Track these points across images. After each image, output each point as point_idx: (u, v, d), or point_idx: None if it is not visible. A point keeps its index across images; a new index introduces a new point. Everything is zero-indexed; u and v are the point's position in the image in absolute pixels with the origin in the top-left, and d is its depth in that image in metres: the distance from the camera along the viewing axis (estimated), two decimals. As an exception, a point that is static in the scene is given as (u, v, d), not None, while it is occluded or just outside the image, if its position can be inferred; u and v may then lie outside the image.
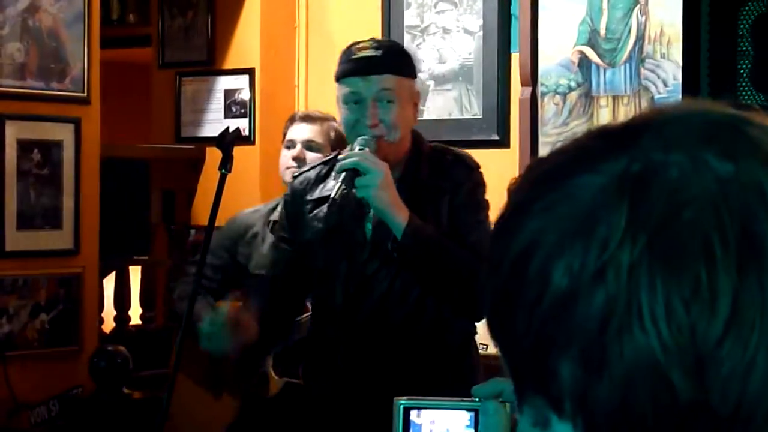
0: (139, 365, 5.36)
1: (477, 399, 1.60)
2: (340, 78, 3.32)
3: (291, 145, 4.27)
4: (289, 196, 3.50)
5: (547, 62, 5.03)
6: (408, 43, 5.50)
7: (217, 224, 3.56)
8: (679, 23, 4.71)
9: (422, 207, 3.22)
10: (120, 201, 6.25)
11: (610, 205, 0.79)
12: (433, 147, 3.39)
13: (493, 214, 0.91)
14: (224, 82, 5.97)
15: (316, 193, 3.39)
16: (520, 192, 0.86)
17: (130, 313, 6.15)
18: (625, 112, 4.85)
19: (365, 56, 3.27)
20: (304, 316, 3.80)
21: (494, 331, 0.87)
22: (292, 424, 3.46)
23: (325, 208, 3.32)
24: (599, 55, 4.93)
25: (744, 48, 4.64)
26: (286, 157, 4.26)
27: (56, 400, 5.22)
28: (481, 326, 3.63)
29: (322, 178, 3.41)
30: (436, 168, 3.32)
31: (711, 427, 0.77)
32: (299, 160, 4.14)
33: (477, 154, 5.28)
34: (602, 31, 4.93)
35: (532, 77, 5.05)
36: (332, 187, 3.28)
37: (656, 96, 4.78)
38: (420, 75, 5.49)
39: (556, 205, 0.82)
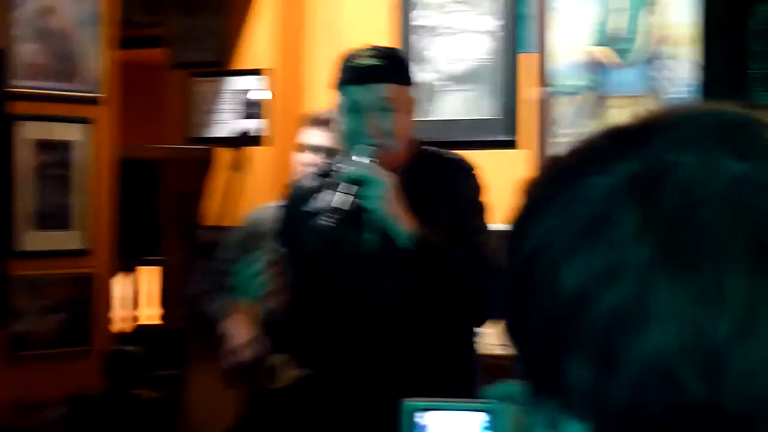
0: (152, 365, 5.36)
1: (488, 400, 1.60)
2: (339, 86, 3.31)
3: (304, 149, 4.26)
4: (286, 205, 3.49)
5: (559, 62, 5.02)
6: (419, 43, 5.50)
7: (229, 224, 3.56)
8: (691, 23, 4.71)
9: (422, 213, 3.21)
10: (132, 201, 6.26)
11: (621, 206, 0.79)
12: (430, 151, 3.38)
13: (505, 214, 0.91)
14: (237, 83, 5.97)
15: (315, 203, 3.38)
16: (531, 192, 0.87)
17: (142, 313, 6.16)
18: (637, 113, 4.83)
19: (364, 65, 3.26)
20: None
21: (508, 331, 0.87)
22: (300, 416, 3.46)
23: (324, 218, 3.32)
24: (612, 56, 4.93)
25: (757, 48, 4.63)
26: (300, 160, 4.26)
27: (69, 399, 5.23)
28: (494, 327, 3.63)
29: (319, 188, 3.40)
30: (434, 173, 3.31)
31: (723, 428, 0.77)
32: (312, 166, 4.14)
33: (488, 155, 5.30)
34: (615, 32, 4.92)
35: (544, 78, 5.05)
36: (331, 196, 3.29)
37: (668, 96, 4.77)
38: (432, 75, 5.50)
39: (567, 206, 0.82)
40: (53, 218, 5.23)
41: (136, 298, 6.14)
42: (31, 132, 5.16)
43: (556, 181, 0.85)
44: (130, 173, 6.06)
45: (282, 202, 3.55)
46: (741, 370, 0.77)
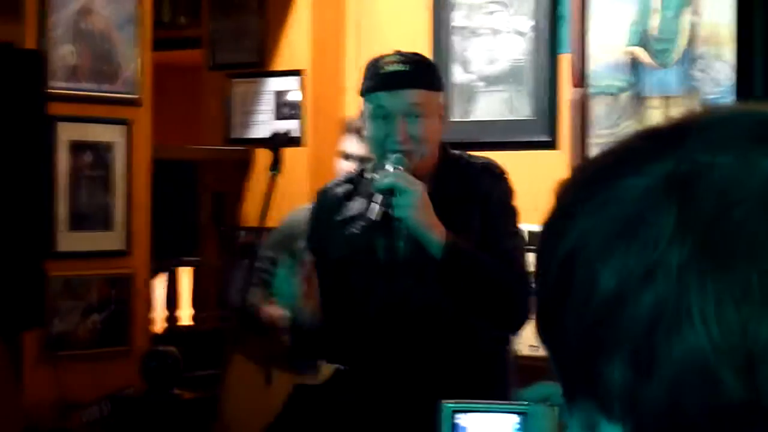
0: (190, 366, 5.38)
1: (525, 402, 1.60)
2: (366, 93, 3.30)
3: (346, 157, 4.26)
4: (316, 213, 3.48)
5: (597, 63, 5.01)
6: (458, 44, 5.50)
7: (267, 225, 3.56)
8: (731, 23, 4.68)
9: (453, 219, 3.20)
10: (170, 202, 6.29)
11: (658, 206, 0.79)
12: (459, 156, 3.37)
13: (542, 216, 0.90)
14: (274, 84, 5.99)
15: (345, 211, 3.37)
16: (567, 194, 0.86)
17: (181, 313, 6.18)
18: (677, 113, 4.81)
19: (392, 71, 3.24)
20: None
21: (543, 334, 0.87)
22: (341, 411, 3.46)
23: (355, 226, 3.30)
24: (650, 56, 4.91)
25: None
26: (341, 167, 4.27)
27: (107, 399, 5.25)
28: (532, 328, 3.62)
29: (349, 195, 3.39)
30: (464, 178, 3.30)
31: (762, 428, 0.77)
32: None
33: (527, 156, 5.29)
34: (653, 32, 4.90)
35: (582, 78, 5.03)
36: (361, 204, 3.28)
37: (707, 97, 4.74)
38: (469, 76, 5.49)
39: (604, 207, 0.81)
40: (92, 219, 5.26)
41: (175, 298, 6.16)
42: (69, 133, 5.19)
43: (591, 183, 0.84)
44: (169, 174, 6.09)
45: (312, 209, 3.54)
46: None
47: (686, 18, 4.82)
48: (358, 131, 4.28)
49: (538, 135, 5.27)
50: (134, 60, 5.37)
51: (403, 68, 3.23)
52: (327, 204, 3.42)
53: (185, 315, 6.20)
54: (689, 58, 4.81)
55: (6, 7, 5.12)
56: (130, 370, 5.22)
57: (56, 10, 5.13)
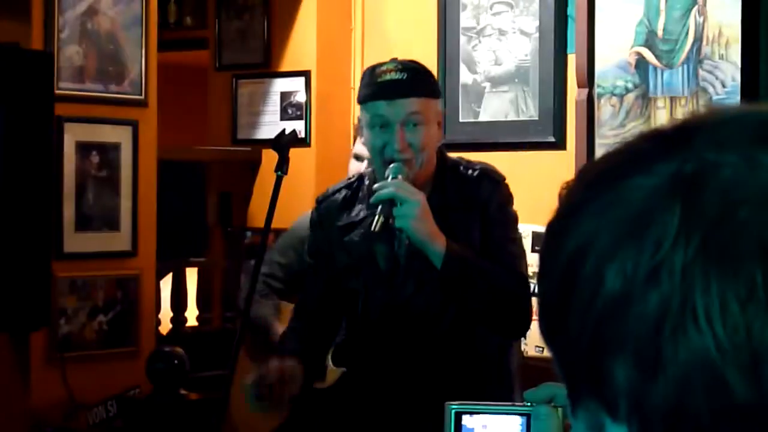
0: (196, 366, 5.38)
1: (529, 403, 1.60)
2: (364, 102, 3.29)
3: (357, 158, 4.26)
4: (316, 221, 3.48)
5: (603, 63, 5.00)
6: (464, 44, 5.50)
7: (273, 226, 3.56)
8: (738, 24, 4.67)
9: (453, 227, 3.20)
10: (177, 203, 6.30)
11: (663, 206, 0.79)
12: (456, 162, 3.36)
13: (547, 218, 0.90)
14: (280, 85, 5.99)
15: (345, 219, 3.37)
16: (572, 194, 0.86)
17: (187, 314, 6.19)
18: (683, 114, 4.81)
19: (390, 79, 3.23)
20: None
21: (547, 334, 0.87)
22: (347, 414, 3.47)
23: (356, 234, 3.31)
24: (656, 57, 4.90)
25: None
26: (354, 169, 4.27)
27: (114, 400, 5.26)
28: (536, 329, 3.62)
29: (348, 203, 3.39)
30: (463, 185, 3.29)
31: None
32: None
33: (533, 156, 5.30)
34: (660, 32, 4.89)
35: (588, 78, 5.03)
36: (361, 211, 3.28)
37: (714, 97, 4.74)
38: (476, 77, 5.49)
39: (609, 207, 0.81)
40: (98, 220, 5.27)
41: (181, 299, 6.16)
42: (76, 134, 5.19)
43: (596, 183, 0.84)
44: (175, 175, 6.09)
45: (311, 217, 3.54)
46: None
47: (692, 18, 4.81)
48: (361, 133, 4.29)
49: (544, 135, 5.27)
50: (140, 61, 5.38)
51: (400, 76, 3.23)
52: (326, 211, 3.42)
53: (192, 316, 6.21)
54: (695, 58, 4.80)
55: (13, 9, 5.13)
56: (137, 370, 5.23)
57: (63, 11, 5.14)
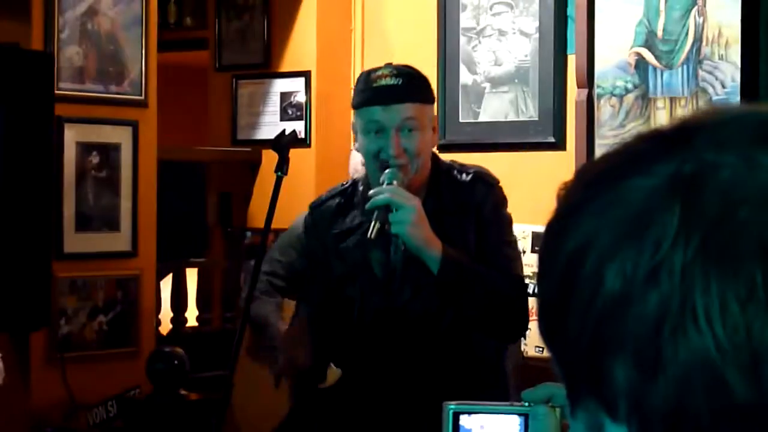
0: (196, 367, 5.38)
1: (527, 403, 1.60)
2: (358, 107, 3.29)
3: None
4: (311, 227, 3.48)
5: (603, 64, 5.00)
6: (464, 45, 5.50)
7: (273, 227, 3.56)
8: (738, 24, 4.67)
9: (448, 232, 3.19)
10: (177, 203, 6.30)
11: (663, 206, 0.79)
12: (450, 166, 3.36)
13: (546, 218, 0.91)
14: (280, 85, 6.00)
15: (340, 225, 3.37)
16: (571, 194, 0.86)
17: (187, 314, 6.19)
18: (683, 114, 4.80)
19: (385, 85, 3.22)
20: None
21: (546, 334, 0.87)
22: (346, 415, 3.47)
23: (351, 241, 3.30)
24: (656, 57, 4.90)
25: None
26: (353, 168, 4.27)
27: (114, 400, 5.26)
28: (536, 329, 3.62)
29: (343, 209, 3.39)
30: (457, 190, 3.29)
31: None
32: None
33: (533, 157, 5.30)
34: (659, 33, 4.89)
35: (588, 79, 5.03)
36: (355, 218, 3.28)
37: (714, 98, 4.74)
38: (476, 77, 5.49)
39: (609, 208, 0.81)
40: (99, 220, 5.27)
41: (181, 299, 6.16)
42: (76, 134, 5.20)
43: (595, 183, 0.84)
44: (176, 175, 6.09)
45: (305, 224, 3.53)
46: None
47: (692, 19, 4.81)
48: None
49: (544, 136, 5.27)
50: (140, 61, 5.38)
51: (396, 82, 3.22)
52: (320, 218, 3.42)
53: (192, 316, 6.21)
54: (695, 59, 4.80)
55: (13, 9, 5.14)
56: (137, 371, 5.23)
57: (63, 12, 5.14)
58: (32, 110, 4.76)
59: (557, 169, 4.88)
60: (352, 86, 5.86)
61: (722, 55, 4.74)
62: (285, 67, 6.00)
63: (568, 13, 5.21)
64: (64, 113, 5.09)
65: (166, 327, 6.10)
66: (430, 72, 5.48)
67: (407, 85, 3.23)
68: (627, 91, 4.96)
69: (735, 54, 4.70)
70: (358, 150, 3.40)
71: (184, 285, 6.18)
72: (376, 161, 3.22)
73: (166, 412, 5.16)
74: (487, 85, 5.45)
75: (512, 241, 3.36)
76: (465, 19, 5.51)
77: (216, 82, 6.29)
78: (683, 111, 4.83)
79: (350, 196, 3.39)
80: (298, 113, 5.92)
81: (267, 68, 6.05)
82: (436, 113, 3.38)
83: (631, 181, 0.81)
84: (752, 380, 0.76)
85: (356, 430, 3.43)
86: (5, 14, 5.17)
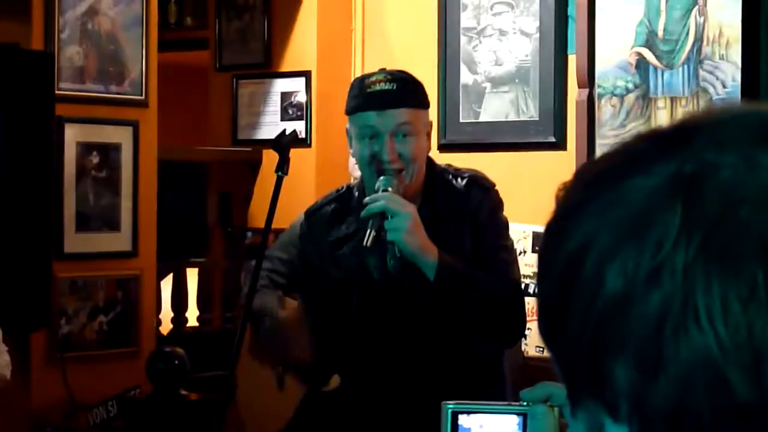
0: (197, 367, 5.38)
1: (525, 403, 1.60)
2: (353, 112, 3.28)
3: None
4: (306, 234, 3.47)
5: (604, 64, 5.00)
6: (464, 45, 5.50)
7: (274, 227, 3.56)
8: (738, 24, 4.67)
9: (444, 237, 3.19)
10: (177, 203, 6.30)
11: (664, 206, 0.79)
12: (444, 171, 3.35)
13: (547, 218, 0.90)
14: (281, 85, 5.99)
15: (336, 232, 3.36)
16: (571, 194, 0.86)
17: (187, 314, 6.19)
18: (683, 114, 4.79)
19: (379, 90, 3.22)
20: None
21: (546, 334, 0.87)
22: (349, 417, 3.47)
23: (347, 248, 3.30)
24: (657, 57, 4.90)
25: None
26: (352, 168, 4.27)
27: (114, 400, 5.26)
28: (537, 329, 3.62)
29: (338, 216, 3.38)
30: (452, 194, 3.28)
31: (769, 429, 0.77)
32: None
33: (533, 156, 5.29)
34: (660, 33, 4.89)
35: (589, 79, 5.03)
36: (351, 224, 3.28)
37: (715, 97, 4.73)
38: (476, 77, 5.49)
39: (609, 208, 0.81)
40: (99, 220, 5.27)
41: (182, 299, 6.16)
42: (76, 134, 5.20)
43: (595, 183, 0.84)
44: (176, 175, 6.09)
45: (301, 230, 3.53)
46: None
47: (693, 19, 4.81)
48: None
49: (544, 136, 5.26)
50: (141, 61, 5.38)
51: (390, 87, 3.22)
52: (316, 225, 3.42)
53: (192, 316, 6.21)
54: (696, 58, 4.80)
55: (13, 9, 5.14)
56: (137, 371, 5.23)
57: (63, 12, 5.14)
58: (32, 110, 4.76)
59: (558, 169, 4.87)
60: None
61: (723, 55, 4.73)
62: (285, 67, 6.00)
63: (569, 13, 5.21)
64: (65, 113, 5.09)
65: (166, 327, 6.09)
66: (431, 72, 5.49)
67: (401, 90, 3.22)
68: (628, 91, 4.96)
69: (736, 54, 4.70)
70: (352, 155, 3.39)
71: (184, 285, 6.18)
72: (371, 167, 3.21)
73: (167, 412, 5.16)
74: (488, 85, 5.45)
75: (509, 245, 3.35)
76: (465, 19, 5.51)
77: (216, 82, 6.29)
78: (684, 111, 4.82)
79: (346, 201, 3.39)
80: (299, 113, 5.92)
81: (267, 68, 6.05)
82: (431, 118, 3.37)
83: (632, 181, 0.81)
84: (754, 379, 0.76)
85: (362, 429, 3.43)
86: (5, 14, 5.18)
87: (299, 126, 5.80)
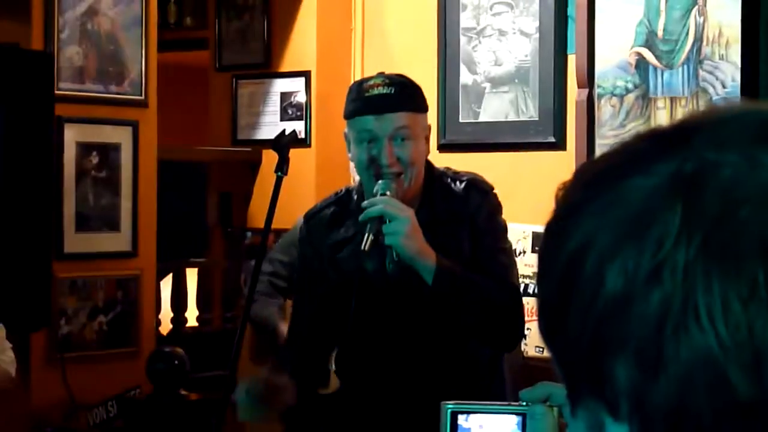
0: (197, 367, 5.38)
1: (524, 403, 1.60)
2: (351, 116, 3.28)
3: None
4: (305, 238, 3.47)
5: (604, 64, 5.00)
6: (464, 45, 5.50)
7: (273, 227, 3.56)
8: (738, 24, 4.67)
9: (442, 241, 3.19)
10: (177, 203, 6.30)
11: (664, 205, 0.79)
12: (443, 174, 3.35)
13: (546, 218, 0.90)
14: (280, 85, 5.99)
15: (335, 236, 3.36)
16: (571, 194, 0.86)
17: (187, 314, 6.19)
18: (683, 114, 4.80)
19: (378, 94, 3.21)
20: None
21: (546, 334, 0.87)
22: (348, 419, 3.47)
23: (346, 252, 3.30)
24: (657, 57, 4.90)
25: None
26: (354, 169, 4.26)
27: (114, 401, 5.26)
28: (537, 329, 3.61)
29: (337, 219, 3.38)
30: (450, 198, 3.28)
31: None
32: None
33: (533, 157, 5.29)
34: (660, 33, 4.89)
35: (588, 79, 5.03)
36: (349, 228, 3.28)
37: (714, 98, 4.73)
38: (476, 77, 5.49)
39: (609, 207, 0.81)
40: (99, 220, 5.27)
41: (181, 299, 6.16)
42: (76, 134, 5.20)
43: (595, 183, 0.84)
44: (176, 175, 6.10)
45: (300, 234, 3.53)
46: None
47: (692, 19, 4.81)
48: None
49: (544, 136, 5.26)
50: (140, 61, 5.38)
51: (388, 91, 3.21)
52: (315, 228, 3.42)
53: (192, 316, 6.21)
54: (695, 58, 4.80)
55: (13, 9, 5.14)
56: (137, 371, 5.23)
57: (63, 12, 5.14)
58: (32, 110, 4.76)
59: (557, 169, 4.87)
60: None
61: (723, 55, 4.73)
62: (285, 67, 6.00)
63: (569, 13, 5.21)
64: (64, 113, 5.09)
65: (166, 327, 6.10)
66: (430, 72, 5.50)
67: (400, 94, 3.22)
68: (627, 91, 4.96)
69: (735, 54, 4.70)
70: (351, 160, 3.38)
71: (184, 285, 6.18)
72: (370, 171, 3.21)
73: (167, 412, 5.16)
74: (488, 85, 5.45)
75: (507, 249, 3.35)
76: (465, 19, 5.51)
77: (216, 82, 6.29)
78: (684, 111, 4.82)
79: (345, 205, 3.38)
80: (298, 113, 5.92)
81: (267, 68, 6.05)
82: (430, 121, 3.37)
83: (632, 181, 0.81)
84: (754, 378, 0.76)
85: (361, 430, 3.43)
86: (5, 14, 5.18)
87: (299, 126, 5.80)
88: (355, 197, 3.35)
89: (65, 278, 5.15)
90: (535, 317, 3.81)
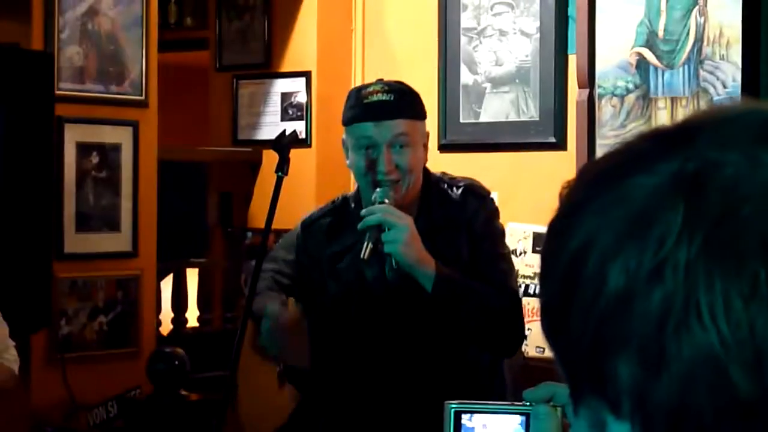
0: (197, 367, 5.38)
1: (528, 403, 1.60)
2: (349, 123, 3.27)
3: None
4: (302, 245, 3.47)
5: (604, 64, 5.00)
6: (465, 45, 5.50)
7: (274, 227, 3.56)
8: (739, 24, 4.67)
9: (440, 248, 3.19)
10: (177, 203, 6.30)
11: (666, 204, 0.79)
12: (440, 180, 3.35)
13: (548, 218, 0.90)
14: (281, 85, 5.99)
15: (333, 246, 3.36)
16: (573, 193, 0.86)
17: (188, 315, 6.19)
18: (684, 114, 4.80)
19: (377, 101, 3.21)
20: None
21: (549, 333, 0.87)
22: (349, 419, 3.47)
23: (345, 261, 3.30)
24: (657, 57, 4.90)
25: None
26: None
27: (114, 401, 5.26)
28: (538, 329, 3.61)
29: (336, 228, 3.38)
30: (448, 204, 3.28)
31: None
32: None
33: (534, 157, 5.29)
34: (660, 33, 4.89)
35: (589, 79, 5.02)
36: (347, 237, 3.27)
37: (715, 98, 4.73)
38: (476, 77, 5.49)
39: (612, 206, 0.82)
40: (99, 220, 5.27)
41: (182, 299, 6.16)
42: (76, 134, 5.20)
43: (598, 182, 0.84)
44: (176, 175, 6.10)
45: (297, 242, 3.52)
46: None
47: (693, 19, 4.81)
48: None
49: (544, 136, 5.26)
50: (141, 61, 5.38)
51: (387, 98, 3.21)
52: (313, 238, 3.41)
53: (192, 316, 6.21)
54: (696, 59, 4.80)
55: (13, 9, 5.14)
56: (137, 371, 5.23)
57: (63, 12, 5.14)
58: (32, 110, 4.76)
59: (558, 169, 4.87)
60: (353, 86, 5.87)
61: (723, 55, 4.73)
62: (285, 68, 6.00)
63: (569, 13, 5.20)
64: (64, 113, 5.09)
65: (166, 327, 6.10)
66: (431, 72, 5.50)
67: (399, 100, 3.22)
68: (628, 91, 4.96)
69: (736, 54, 4.70)
70: (349, 166, 3.37)
71: (184, 285, 6.18)
72: (368, 178, 3.21)
73: (167, 412, 5.16)
74: (488, 85, 5.44)
75: (506, 254, 3.35)
76: (466, 19, 5.51)
77: (216, 82, 6.29)
78: (684, 111, 4.82)
79: (342, 214, 3.38)
80: (299, 113, 5.92)
81: (267, 68, 6.05)
82: (428, 128, 3.37)
83: (634, 180, 0.81)
84: (755, 377, 0.76)
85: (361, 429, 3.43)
86: (5, 14, 5.18)
87: (299, 126, 5.80)
88: (353, 205, 3.34)
89: (65, 278, 5.15)
90: (535, 317, 3.81)
